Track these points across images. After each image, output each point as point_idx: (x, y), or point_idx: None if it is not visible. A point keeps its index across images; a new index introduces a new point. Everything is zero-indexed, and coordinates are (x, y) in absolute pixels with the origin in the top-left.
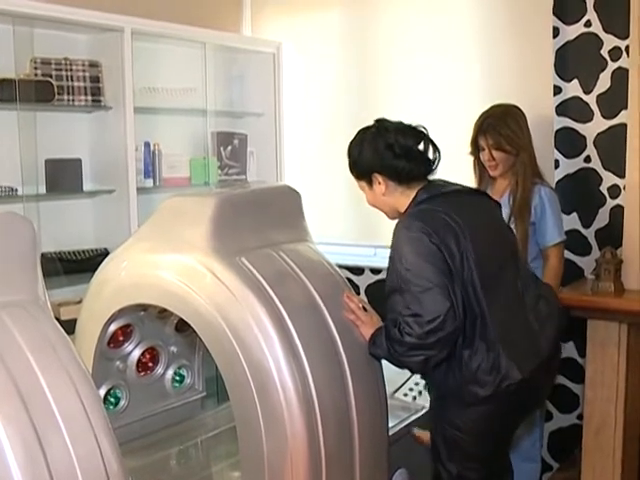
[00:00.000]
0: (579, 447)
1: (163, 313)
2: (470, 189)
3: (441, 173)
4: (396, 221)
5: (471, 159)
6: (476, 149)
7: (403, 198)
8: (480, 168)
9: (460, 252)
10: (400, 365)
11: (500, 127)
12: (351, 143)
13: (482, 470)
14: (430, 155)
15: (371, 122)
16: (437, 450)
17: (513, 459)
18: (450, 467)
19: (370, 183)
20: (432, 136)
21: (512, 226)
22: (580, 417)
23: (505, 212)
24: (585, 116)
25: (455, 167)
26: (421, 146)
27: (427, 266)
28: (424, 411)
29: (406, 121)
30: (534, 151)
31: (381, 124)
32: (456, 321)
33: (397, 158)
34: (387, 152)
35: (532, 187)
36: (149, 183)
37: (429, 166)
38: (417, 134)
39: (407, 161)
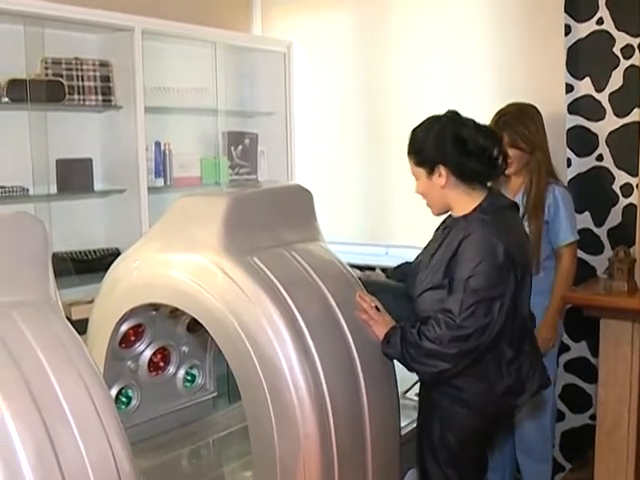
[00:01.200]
0: (592, 447)
1: (175, 313)
2: (512, 203)
3: None
4: (442, 217)
5: None
6: None
7: (465, 198)
8: None
9: (523, 269)
10: (410, 369)
11: (516, 125)
12: (417, 128)
13: (478, 471)
14: (499, 161)
15: (381, 121)
16: (434, 455)
17: (524, 459)
18: (451, 472)
19: (430, 173)
20: None
21: (525, 224)
22: (592, 417)
23: (520, 211)
24: (597, 114)
25: None
26: (495, 151)
27: (493, 277)
28: None
29: (419, 121)
30: (549, 150)
31: (456, 116)
32: (483, 337)
33: (469, 156)
34: (461, 147)
35: (546, 186)
36: (160, 183)
37: (496, 172)
38: (495, 138)
39: (478, 162)
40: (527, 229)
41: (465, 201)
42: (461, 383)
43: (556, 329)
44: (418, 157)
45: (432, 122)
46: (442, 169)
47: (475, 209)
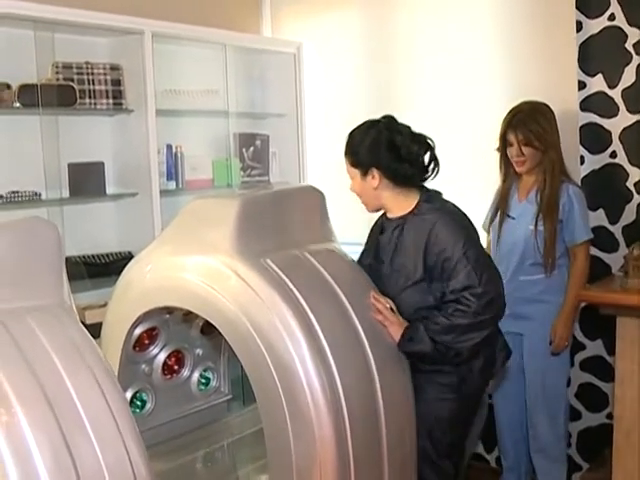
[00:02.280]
0: (609, 447)
1: (188, 316)
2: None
3: (464, 171)
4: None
5: (494, 157)
6: (503, 145)
7: (401, 199)
8: (506, 164)
9: None
10: (443, 357)
11: (530, 123)
12: (354, 130)
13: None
14: (431, 166)
15: None
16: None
17: (538, 459)
18: (446, 464)
19: (365, 174)
20: (455, 135)
21: (540, 223)
22: (609, 416)
23: (532, 209)
24: (610, 111)
25: (479, 164)
26: (426, 156)
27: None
28: None
29: (429, 119)
30: (561, 149)
31: (392, 123)
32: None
33: (401, 161)
34: (393, 152)
35: (560, 185)
36: (172, 185)
37: (428, 176)
38: (426, 144)
39: (411, 167)
40: (541, 228)
41: (401, 201)
42: (446, 369)
43: (571, 328)
44: (354, 159)
45: (369, 127)
46: (375, 172)
47: (413, 209)
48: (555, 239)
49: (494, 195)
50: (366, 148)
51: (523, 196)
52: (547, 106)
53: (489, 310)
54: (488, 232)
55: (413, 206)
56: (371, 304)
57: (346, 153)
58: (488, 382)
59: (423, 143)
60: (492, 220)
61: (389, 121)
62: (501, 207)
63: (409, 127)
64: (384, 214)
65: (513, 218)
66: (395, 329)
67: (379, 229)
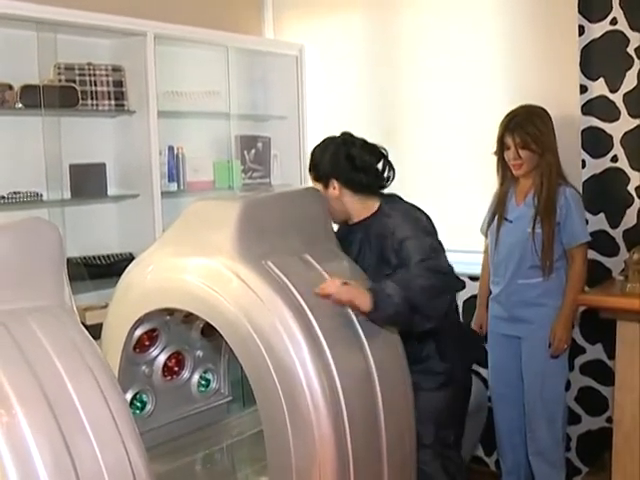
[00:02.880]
0: (609, 450)
1: (189, 317)
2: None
3: (467, 174)
4: None
5: (494, 160)
6: (501, 148)
7: (361, 206)
8: (503, 168)
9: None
10: (427, 302)
11: (527, 126)
12: (316, 148)
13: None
14: (386, 174)
15: (394, 124)
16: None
17: (536, 462)
18: (453, 454)
19: (326, 186)
20: (456, 138)
21: (538, 226)
22: (609, 420)
23: (529, 212)
24: (612, 115)
25: (481, 168)
26: (380, 164)
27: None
28: None
29: (431, 122)
30: (558, 153)
31: (347, 137)
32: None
33: (357, 171)
34: (348, 163)
35: (557, 188)
36: (173, 187)
37: (383, 183)
38: (379, 153)
39: (365, 175)
40: (539, 230)
41: (362, 208)
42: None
43: (570, 330)
44: (314, 173)
45: (327, 142)
46: (335, 183)
47: (376, 211)
48: (553, 242)
49: (491, 199)
50: (326, 161)
51: (520, 199)
52: (544, 110)
53: (445, 279)
54: (486, 236)
55: (375, 209)
56: (324, 296)
57: (309, 169)
58: (471, 366)
59: (375, 153)
60: (490, 224)
61: (345, 136)
62: (498, 211)
63: (364, 140)
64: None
65: (510, 221)
66: (361, 299)
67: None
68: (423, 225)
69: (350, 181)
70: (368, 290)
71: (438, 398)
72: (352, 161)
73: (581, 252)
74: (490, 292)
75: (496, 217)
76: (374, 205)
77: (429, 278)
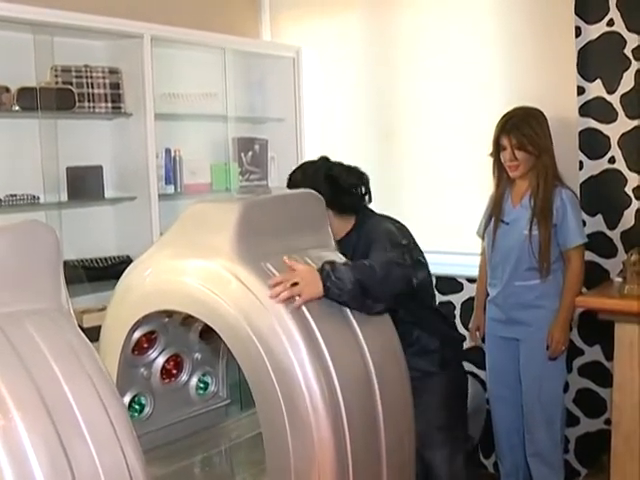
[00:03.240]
0: (607, 452)
1: (187, 320)
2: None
3: (463, 175)
4: None
5: (491, 161)
6: (497, 149)
7: (342, 223)
8: (499, 169)
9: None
10: (371, 304)
11: (523, 127)
12: (296, 171)
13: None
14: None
15: (392, 125)
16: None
17: (534, 463)
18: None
19: None
20: (454, 139)
21: (534, 228)
22: (607, 422)
23: (526, 214)
24: (609, 116)
25: (479, 169)
26: (362, 188)
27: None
28: None
29: (429, 124)
30: (554, 154)
31: (326, 161)
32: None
33: (341, 193)
34: (332, 185)
35: (553, 189)
36: (170, 189)
37: (362, 202)
38: (360, 175)
39: (349, 196)
40: (535, 232)
41: (342, 227)
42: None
43: (568, 332)
44: None
45: (307, 166)
46: None
47: (354, 225)
48: (549, 243)
49: (488, 201)
50: (306, 185)
51: (517, 201)
52: (540, 111)
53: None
54: (482, 238)
55: (351, 226)
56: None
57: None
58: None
59: (357, 174)
60: (486, 226)
61: (324, 160)
62: (495, 213)
63: (342, 163)
64: None
65: (507, 224)
66: (312, 280)
67: None
68: (392, 237)
69: (334, 203)
70: (319, 272)
71: (441, 380)
72: (336, 183)
73: (578, 254)
74: (487, 294)
75: (492, 219)
76: (351, 221)
77: (383, 267)
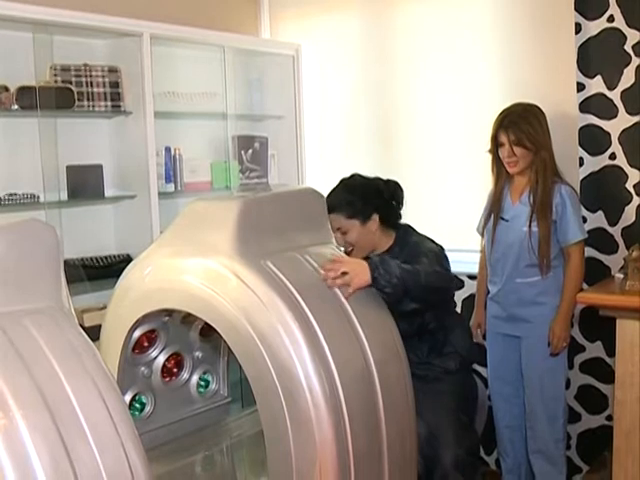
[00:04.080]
0: (609, 448)
1: (187, 318)
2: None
3: (462, 171)
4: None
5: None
6: (495, 146)
7: (385, 237)
8: (498, 166)
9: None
10: (407, 302)
11: (521, 123)
12: (337, 188)
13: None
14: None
15: (391, 123)
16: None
17: (536, 459)
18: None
19: (364, 222)
20: (453, 136)
21: (534, 225)
22: (609, 418)
23: (525, 211)
24: (609, 112)
25: (477, 166)
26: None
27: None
28: None
29: (428, 120)
30: (553, 150)
31: (362, 177)
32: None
33: (393, 204)
34: (384, 197)
35: (552, 186)
36: (170, 188)
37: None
38: (401, 189)
39: (396, 209)
40: (535, 229)
41: (387, 240)
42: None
43: (569, 328)
44: (352, 209)
45: (351, 180)
46: (376, 217)
47: (395, 240)
48: (549, 240)
49: (487, 198)
50: (365, 197)
51: (516, 198)
52: (538, 107)
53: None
54: (482, 235)
55: (393, 239)
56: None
57: (332, 211)
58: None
59: (400, 188)
60: (486, 223)
61: (359, 175)
62: (494, 210)
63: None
64: None
65: (507, 220)
66: (361, 271)
67: None
68: (438, 256)
69: (389, 214)
70: (367, 263)
71: (459, 380)
72: (389, 196)
73: (578, 250)
74: (488, 292)
75: (492, 216)
76: (393, 236)
77: (428, 274)
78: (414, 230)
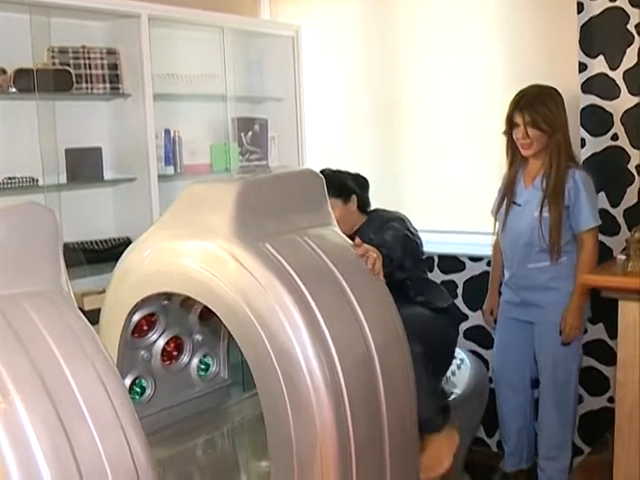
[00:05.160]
0: (611, 430)
1: (187, 301)
2: None
3: (464, 154)
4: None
5: (494, 141)
6: (510, 127)
7: (359, 218)
8: (512, 148)
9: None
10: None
11: (537, 105)
12: (334, 172)
13: None
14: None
15: (392, 105)
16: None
17: (542, 442)
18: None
19: (345, 202)
20: (454, 118)
21: (545, 210)
22: (611, 400)
23: (538, 195)
24: (611, 93)
25: (479, 149)
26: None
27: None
28: (452, 397)
29: (429, 103)
30: (569, 134)
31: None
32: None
33: (366, 190)
34: (362, 184)
35: (566, 170)
36: (170, 170)
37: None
38: (367, 183)
39: (368, 196)
40: (546, 214)
41: (360, 220)
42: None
43: (582, 317)
44: (338, 190)
45: (336, 170)
46: (355, 198)
47: (366, 221)
48: (560, 225)
49: (501, 181)
50: (350, 182)
51: (529, 182)
52: (555, 90)
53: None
54: (496, 219)
55: (364, 220)
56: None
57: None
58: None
59: (367, 182)
60: (499, 206)
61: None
62: (507, 194)
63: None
64: None
65: (519, 205)
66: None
67: None
68: (402, 219)
69: (363, 197)
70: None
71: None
72: (364, 182)
73: (591, 237)
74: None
75: (505, 200)
76: (363, 219)
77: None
78: (383, 209)
